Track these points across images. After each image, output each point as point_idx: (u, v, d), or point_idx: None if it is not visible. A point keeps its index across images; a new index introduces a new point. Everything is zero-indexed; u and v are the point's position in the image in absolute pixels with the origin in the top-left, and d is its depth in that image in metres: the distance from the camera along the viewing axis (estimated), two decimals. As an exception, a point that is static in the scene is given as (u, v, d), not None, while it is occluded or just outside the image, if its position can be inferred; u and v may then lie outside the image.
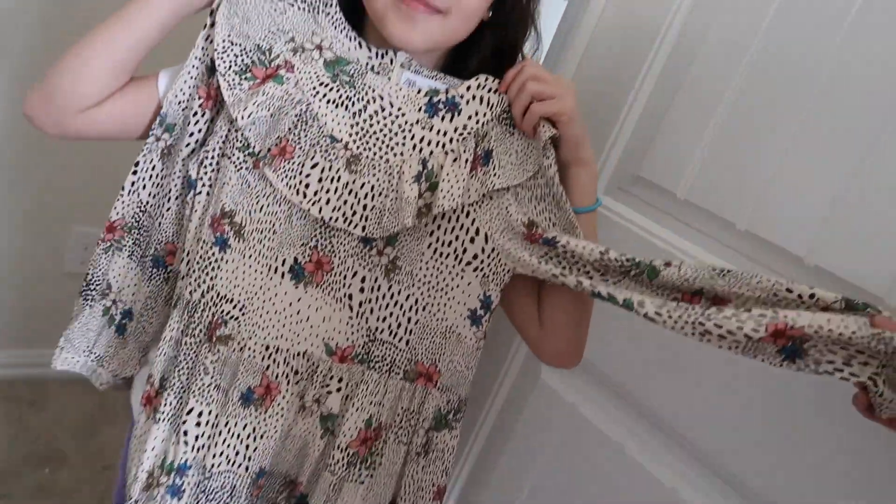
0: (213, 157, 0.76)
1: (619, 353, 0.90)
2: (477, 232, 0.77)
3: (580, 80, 0.97)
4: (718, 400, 0.80)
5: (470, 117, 0.77)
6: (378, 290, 0.78)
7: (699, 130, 0.86)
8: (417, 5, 0.73)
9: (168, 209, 0.79)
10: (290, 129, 0.75)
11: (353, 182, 0.75)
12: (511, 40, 0.83)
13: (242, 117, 0.73)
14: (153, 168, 0.79)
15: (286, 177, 0.74)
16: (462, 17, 0.76)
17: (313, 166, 0.75)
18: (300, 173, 0.75)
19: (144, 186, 0.79)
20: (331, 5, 0.77)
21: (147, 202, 0.80)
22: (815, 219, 0.75)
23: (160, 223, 0.79)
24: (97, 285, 0.81)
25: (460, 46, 0.80)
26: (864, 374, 0.53)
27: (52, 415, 1.70)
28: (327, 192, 0.75)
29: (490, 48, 0.82)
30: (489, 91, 0.78)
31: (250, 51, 0.74)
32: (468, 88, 0.78)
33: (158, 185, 0.79)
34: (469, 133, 0.77)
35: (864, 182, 0.72)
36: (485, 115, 0.78)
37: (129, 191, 0.79)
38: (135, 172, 0.78)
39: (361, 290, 0.78)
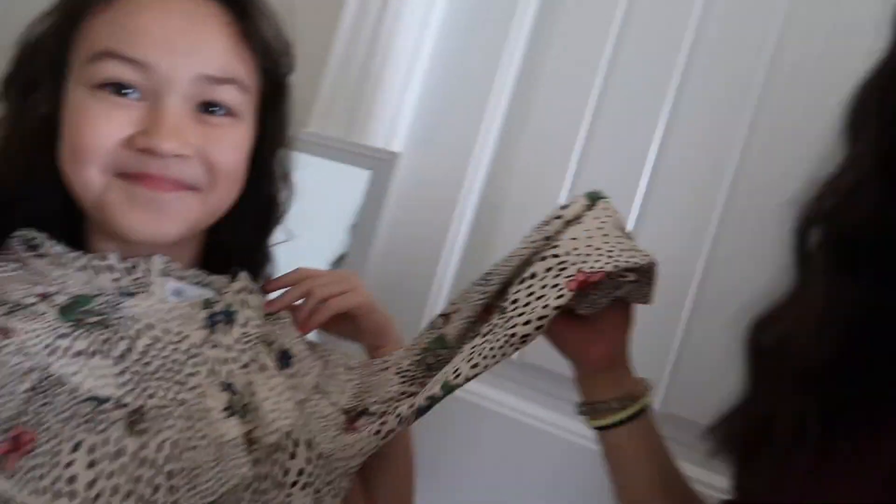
0: None
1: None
2: (296, 444, 0.62)
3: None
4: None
5: (245, 324, 0.64)
6: None
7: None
8: (162, 183, 0.57)
9: None
10: (19, 412, 0.52)
11: (146, 447, 0.54)
12: (270, 195, 0.70)
13: None
14: None
15: (32, 479, 0.50)
16: (226, 185, 0.61)
17: (75, 448, 0.52)
18: (56, 465, 0.51)
19: None
20: (41, 245, 0.59)
21: None
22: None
23: None
24: None
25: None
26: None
27: None
28: (110, 476, 0.52)
29: (252, 213, 0.67)
30: (248, 293, 0.66)
31: None
32: (235, 292, 0.64)
33: None
34: (252, 339, 0.64)
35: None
36: (256, 317, 0.65)
37: None
38: None
39: None
